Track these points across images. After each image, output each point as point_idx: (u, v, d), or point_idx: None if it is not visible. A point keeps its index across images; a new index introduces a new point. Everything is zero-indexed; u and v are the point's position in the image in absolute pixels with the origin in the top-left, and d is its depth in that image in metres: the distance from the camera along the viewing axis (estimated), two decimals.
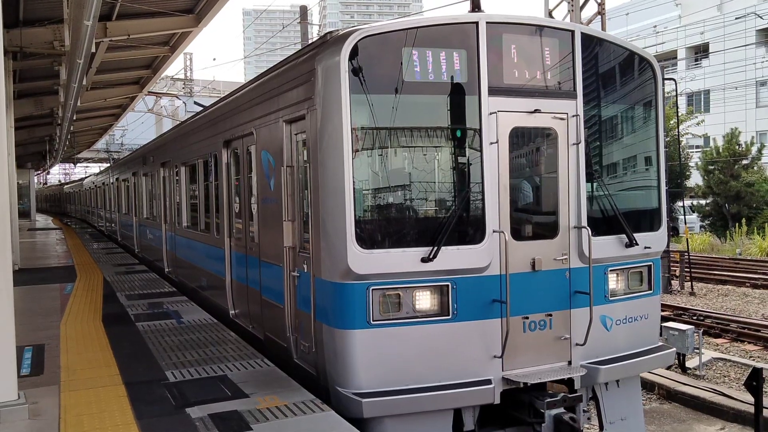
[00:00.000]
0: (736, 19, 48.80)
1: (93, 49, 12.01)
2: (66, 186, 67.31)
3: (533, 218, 6.63)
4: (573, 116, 6.57)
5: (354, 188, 5.79)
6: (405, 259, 5.89)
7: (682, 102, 43.74)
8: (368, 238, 5.87)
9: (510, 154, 6.31)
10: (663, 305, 14.34)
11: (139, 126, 51.22)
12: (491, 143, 6.14)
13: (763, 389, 8.11)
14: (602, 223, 6.81)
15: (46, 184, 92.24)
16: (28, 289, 12.90)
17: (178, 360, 7.46)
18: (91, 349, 8.08)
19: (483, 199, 6.12)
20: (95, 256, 20.13)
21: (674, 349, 7.69)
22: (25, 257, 18.76)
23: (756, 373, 8.12)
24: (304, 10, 28.70)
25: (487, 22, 6.19)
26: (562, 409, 6.16)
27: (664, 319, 12.85)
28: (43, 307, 11.02)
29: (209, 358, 7.49)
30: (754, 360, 12.54)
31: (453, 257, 5.98)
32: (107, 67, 20.79)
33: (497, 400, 6.08)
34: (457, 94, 6.21)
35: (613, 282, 6.92)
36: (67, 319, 9.94)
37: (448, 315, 6.03)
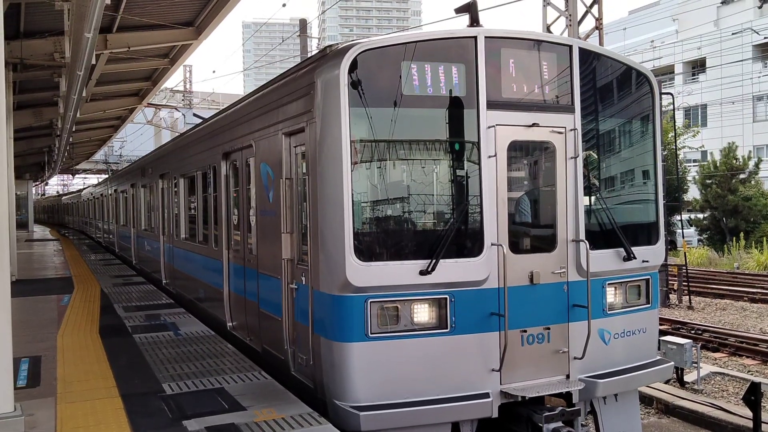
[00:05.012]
0: (733, 34, 49.19)
1: (93, 61, 12.06)
2: (64, 197, 67.26)
3: (531, 231, 6.65)
4: (571, 130, 6.60)
5: (353, 201, 5.81)
6: (403, 271, 5.89)
7: (679, 116, 43.89)
8: (366, 250, 5.88)
9: (508, 167, 6.34)
10: (661, 319, 14.35)
11: (138, 137, 51.31)
12: (489, 156, 6.17)
13: (762, 404, 8.11)
14: (600, 236, 6.82)
15: (44, 195, 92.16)
16: (26, 301, 12.85)
17: (176, 372, 7.44)
18: (87, 361, 8.05)
19: (481, 212, 6.14)
20: (93, 267, 20.08)
21: (672, 363, 7.67)
22: (23, 268, 18.72)
23: (754, 387, 8.12)
24: (303, 24, 28.95)
25: (485, 37, 6.23)
26: (560, 423, 6.12)
27: (662, 332, 12.84)
28: (40, 319, 10.98)
29: (206, 371, 7.47)
30: (752, 374, 12.51)
31: (451, 270, 5.99)
32: (107, 79, 20.86)
33: (495, 414, 6.06)
34: (456, 107, 6.24)
35: (611, 295, 6.93)
36: (64, 331, 9.91)
37: (446, 328, 6.03)
